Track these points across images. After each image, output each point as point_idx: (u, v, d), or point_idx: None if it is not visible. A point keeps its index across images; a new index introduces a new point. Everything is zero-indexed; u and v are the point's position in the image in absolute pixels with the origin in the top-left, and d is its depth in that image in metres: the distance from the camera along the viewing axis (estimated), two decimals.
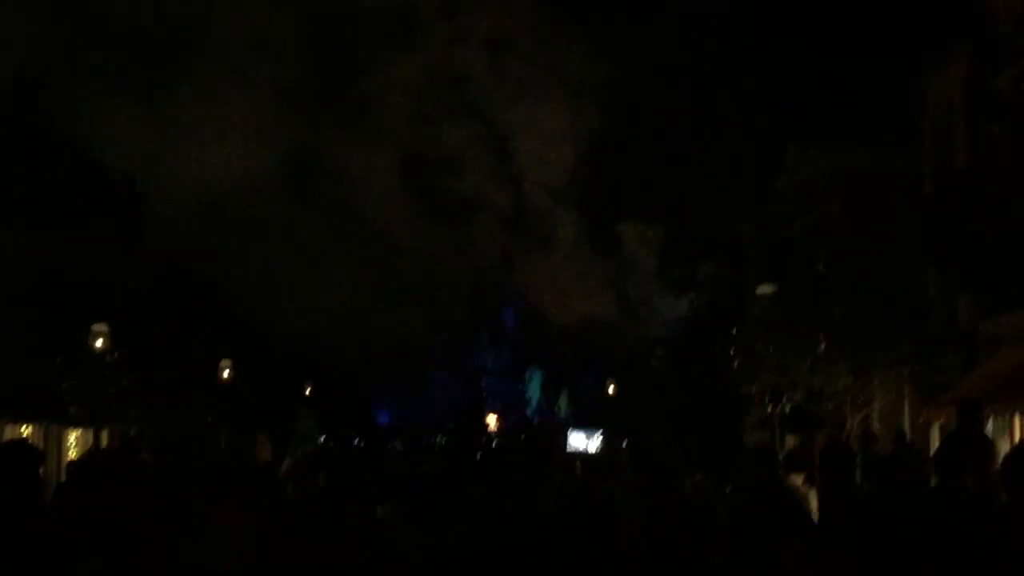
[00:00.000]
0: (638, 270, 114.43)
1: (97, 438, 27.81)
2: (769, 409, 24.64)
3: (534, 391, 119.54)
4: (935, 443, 24.23)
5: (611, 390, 50.06)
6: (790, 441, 28.84)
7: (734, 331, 24.57)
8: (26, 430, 28.84)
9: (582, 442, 16.71)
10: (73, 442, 31.37)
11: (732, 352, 23.98)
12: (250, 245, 59.25)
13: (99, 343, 27.52)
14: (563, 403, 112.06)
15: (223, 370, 36.42)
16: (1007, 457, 6.31)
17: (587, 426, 20.22)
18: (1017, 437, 20.23)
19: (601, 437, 15.74)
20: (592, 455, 19.87)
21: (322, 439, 38.47)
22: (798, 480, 11.91)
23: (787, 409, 24.19)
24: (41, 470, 7.50)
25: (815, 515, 10.27)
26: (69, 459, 27.53)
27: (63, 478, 16.64)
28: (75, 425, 30.24)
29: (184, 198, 47.15)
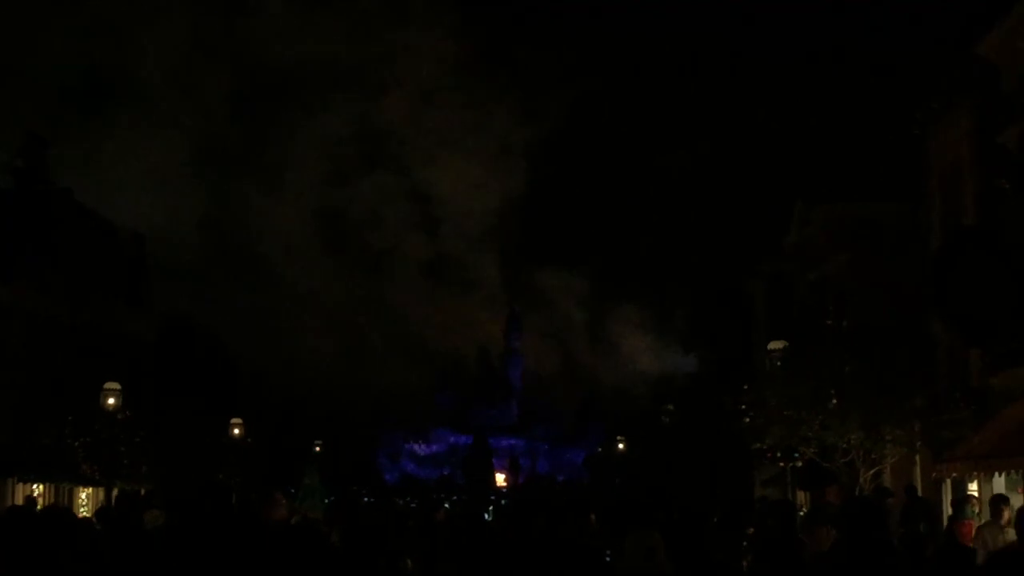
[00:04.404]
0: (571, 324, 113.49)
1: (108, 496, 27.66)
2: (781, 464, 24.55)
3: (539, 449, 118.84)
4: (947, 498, 24.14)
5: (621, 447, 49.88)
6: (801, 497, 28.73)
7: (745, 387, 24.53)
8: (37, 488, 28.82)
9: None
10: (84, 500, 31.32)
11: (743, 407, 23.92)
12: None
13: (111, 401, 27.46)
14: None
15: (233, 428, 36.42)
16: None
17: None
18: None
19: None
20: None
21: (327, 499, 38.41)
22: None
23: (798, 464, 24.10)
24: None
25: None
26: (81, 517, 27.52)
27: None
28: (86, 484, 30.17)
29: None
